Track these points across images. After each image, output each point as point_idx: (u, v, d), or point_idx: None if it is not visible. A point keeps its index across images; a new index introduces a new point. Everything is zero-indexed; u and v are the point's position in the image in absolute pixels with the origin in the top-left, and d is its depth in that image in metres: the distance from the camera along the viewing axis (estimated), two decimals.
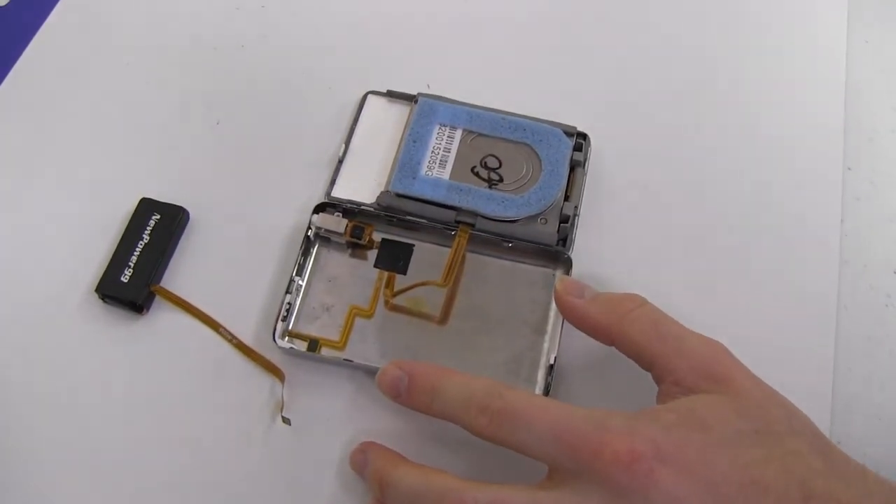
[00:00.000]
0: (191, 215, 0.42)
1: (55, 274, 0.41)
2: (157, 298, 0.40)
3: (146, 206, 0.42)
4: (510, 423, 0.31)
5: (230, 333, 0.39)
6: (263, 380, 0.39)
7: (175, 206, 0.42)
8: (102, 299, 0.40)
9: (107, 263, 0.40)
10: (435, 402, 0.34)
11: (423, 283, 0.40)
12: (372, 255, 0.41)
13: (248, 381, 0.39)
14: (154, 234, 0.41)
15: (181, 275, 0.41)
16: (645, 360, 0.34)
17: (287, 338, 0.39)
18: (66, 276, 0.41)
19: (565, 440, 0.30)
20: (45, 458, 0.37)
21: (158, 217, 0.41)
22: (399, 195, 0.41)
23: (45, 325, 0.40)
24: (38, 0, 0.50)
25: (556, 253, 0.40)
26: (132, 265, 0.40)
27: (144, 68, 0.48)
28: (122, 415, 0.38)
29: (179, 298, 0.40)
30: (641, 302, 0.35)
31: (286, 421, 0.37)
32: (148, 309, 0.40)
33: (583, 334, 0.36)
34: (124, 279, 0.40)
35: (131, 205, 0.42)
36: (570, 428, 0.30)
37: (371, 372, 0.38)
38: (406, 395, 0.35)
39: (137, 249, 0.40)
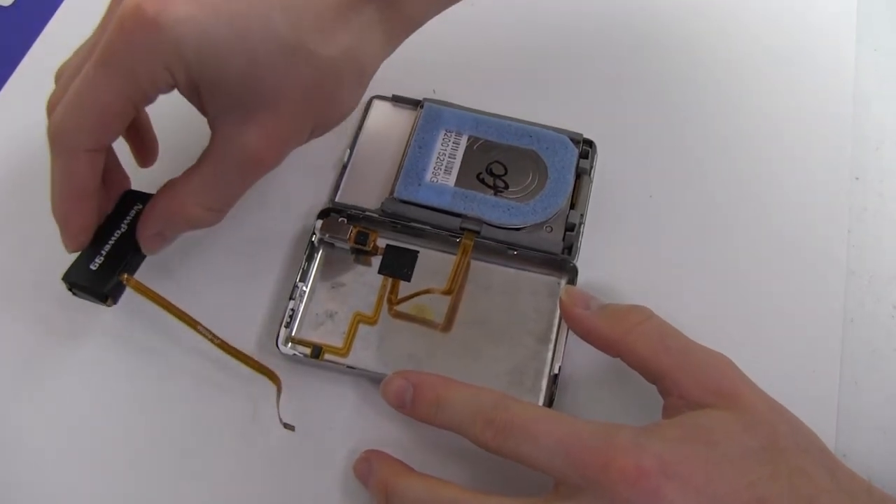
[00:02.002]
0: None
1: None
2: (134, 295, 0.36)
3: (129, 197, 0.38)
4: (516, 436, 0.31)
5: (211, 332, 0.37)
6: (253, 384, 0.38)
7: None
8: (70, 290, 0.37)
9: None
10: (440, 413, 0.34)
11: (427, 291, 0.40)
12: (376, 261, 0.41)
13: (236, 386, 0.38)
14: (133, 224, 0.37)
15: (184, 278, 0.41)
16: (651, 374, 0.33)
17: (290, 344, 0.39)
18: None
19: (572, 455, 0.30)
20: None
21: (140, 208, 0.37)
22: (404, 201, 0.41)
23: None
24: (40, 1, 0.50)
25: (561, 261, 0.40)
26: (104, 253, 0.36)
27: None
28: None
29: (152, 292, 0.36)
30: (648, 315, 0.35)
31: (289, 427, 0.37)
32: (115, 300, 0.36)
33: (587, 344, 0.36)
34: (93, 267, 0.36)
35: None
36: (576, 442, 0.30)
37: (375, 379, 0.38)
38: (411, 405, 0.35)
39: (112, 239, 0.37)
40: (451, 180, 0.41)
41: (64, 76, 0.35)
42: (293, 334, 0.39)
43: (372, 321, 0.39)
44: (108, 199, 0.37)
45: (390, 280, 0.40)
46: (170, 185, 0.35)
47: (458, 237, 0.40)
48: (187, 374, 0.39)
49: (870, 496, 0.30)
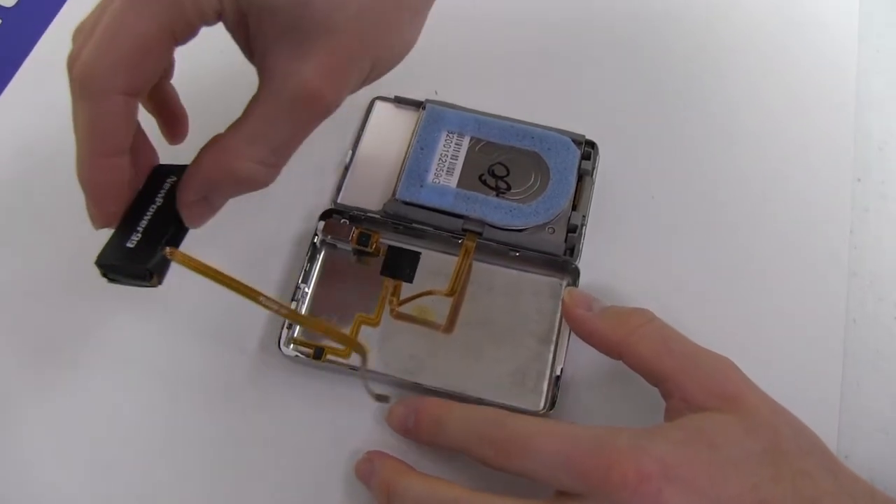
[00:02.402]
0: None
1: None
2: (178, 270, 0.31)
3: (160, 172, 0.33)
4: (516, 453, 0.31)
5: (276, 302, 0.32)
6: (257, 382, 0.39)
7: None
8: (105, 276, 0.32)
9: None
10: (441, 435, 0.34)
11: (429, 293, 0.40)
12: (378, 262, 0.41)
13: (241, 385, 0.39)
14: (170, 196, 0.32)
15: (186, 280, 0.40)
16: (653, 377, 0.33)
17: (292, 345, 0.39)
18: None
19: (573, 464, 0.30)
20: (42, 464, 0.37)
21: (175, 180, 0.32)
22: (406, 203, 0.41)
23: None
24: (43, 1, 0.50)
25: (563, 263, 0.40)
26: (140, 230, 0.31)
27: None
28: (137, 408, 0.38)
29: (203, 264, 0.31)
30: (650, 317, 0.35)
31: (382, 398, 0.36)
32: (161, 279, 0.31)
33: (589, 346, 0.36)
34: (130, 245, 0.31)
35: None
36: (576, 451, 0.30)
37: (377, 380, 0.38)
38: (414, 431, 0.35)
39: (148, 214, 0.32)
40: (454, 181, 0.41)
41: (84, 31, 0.30)
42: (295, 335, 0.39)
43: (374, 322, 0.39)
44: (136, 176, 0.32)
45: (392, 281, 0.40)
46: (215, 140, 0.31)
47: (460, 238, 0.40)
48: (193, 372, 0.39)
49: (872, 499, 0.30)
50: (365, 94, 0.45)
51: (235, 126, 0.30)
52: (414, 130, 0.43)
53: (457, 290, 0.40)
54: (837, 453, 0.36)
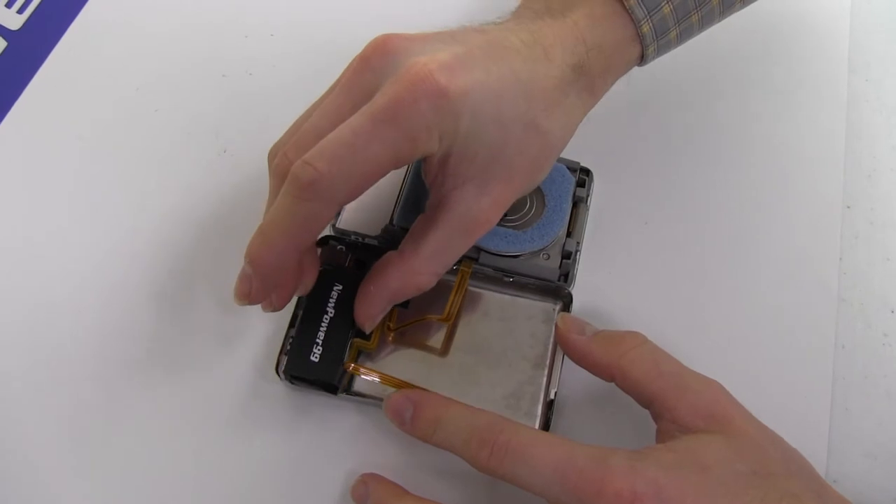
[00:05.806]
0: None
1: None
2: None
3: (324, 277, 0.38)
4: (512, 459, 0.32)
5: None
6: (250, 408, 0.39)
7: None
8: (290, 381, 0.38)
9: None
10: (437, 432, 0.34)
11: (425, 318, 0.40)
12: None
13: (236, 410, 0.39)
14: (340, 306, 0.38)
15: (186, 304, 0.41)
16: (644, 398, 0.34)
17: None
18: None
19: (567, 479, 0.30)
20: None
21: (341, 288, 0.39)
22: (403, 228, 0.41)
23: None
24: (48, 25, 0.51)
25: (557, 288, 0.41)
26: (320, 342, 0.37)
27: (153, 95, 0.48)
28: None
29: (384, 374, 0.38)
30: (642, 340, 0.35)
31: None
32: (346, 390, 0.39)
33: (582, 369, 0.37)
34: (314, 359, 0.37)
35: (132, 226, 0.43)
36: (572, 466, 0.31)
37: (373, 404, 0.38)
38: (410, 423, 0.35)
39: (323, 325, 0.38)
40: None
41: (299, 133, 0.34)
42: None
43: (370, 347, 0.40)
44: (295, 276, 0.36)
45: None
46: (396, 262, 0.36)
47: (456, 264, 0.41)
48: (190, 399, 0.40)
49: None
50: None
51: (414, 248, 0.35)
52: None
53: (452, 316, 0.40)
54: (826, 477, 0.37)
